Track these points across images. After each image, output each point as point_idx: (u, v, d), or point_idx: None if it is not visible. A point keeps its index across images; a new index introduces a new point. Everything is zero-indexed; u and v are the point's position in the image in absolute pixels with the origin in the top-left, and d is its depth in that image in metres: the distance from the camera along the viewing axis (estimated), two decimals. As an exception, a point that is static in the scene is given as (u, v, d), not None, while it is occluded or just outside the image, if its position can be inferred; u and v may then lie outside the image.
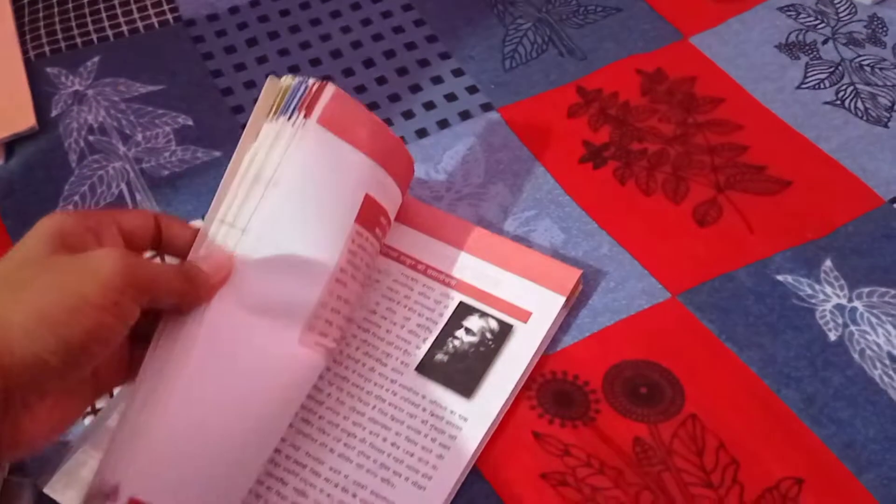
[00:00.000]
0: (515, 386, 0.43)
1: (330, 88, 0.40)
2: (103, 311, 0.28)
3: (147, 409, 0.33)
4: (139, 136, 0.56)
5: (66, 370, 0.28)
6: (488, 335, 0.44)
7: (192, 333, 0.34)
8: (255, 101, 0.39)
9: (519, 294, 0.45)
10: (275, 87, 0.40)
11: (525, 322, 0.44)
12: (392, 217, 0.44)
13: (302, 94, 0.39)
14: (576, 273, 0.45)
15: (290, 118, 0.38)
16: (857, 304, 0.46)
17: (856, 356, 0.44)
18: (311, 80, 0.40)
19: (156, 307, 0.32)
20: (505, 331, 0.44)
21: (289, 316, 0.37)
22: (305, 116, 0.38)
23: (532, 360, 0.44)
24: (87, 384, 0.33)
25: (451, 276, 0.46)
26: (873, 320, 0.46)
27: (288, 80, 0.40)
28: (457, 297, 0.45)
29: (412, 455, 0.40)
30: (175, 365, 0.34)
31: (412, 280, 0.46)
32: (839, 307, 0.46)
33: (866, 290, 0.47)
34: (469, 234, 0.47)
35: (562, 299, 0.45)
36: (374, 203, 0.41)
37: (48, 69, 0.61)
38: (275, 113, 0.39)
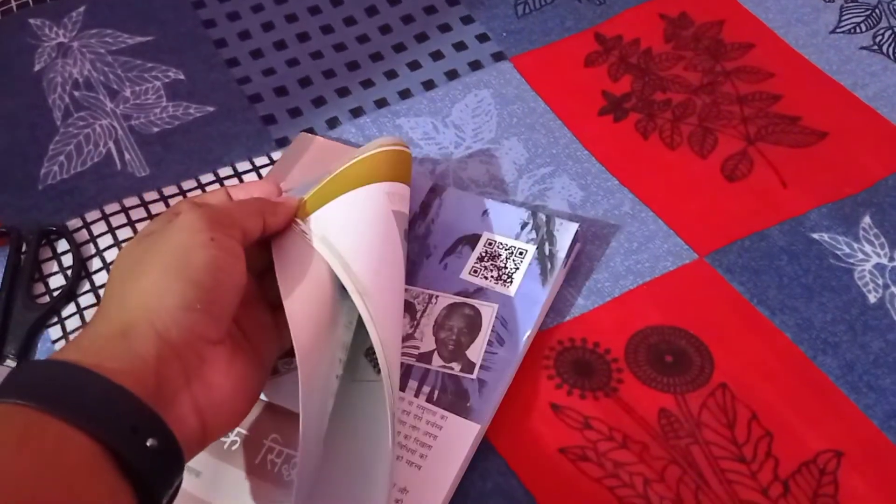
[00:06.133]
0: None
1: None
2: (205, 248, 0.33)
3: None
4: (127, 92, 0.54)
5: (212, 310, 0.32)
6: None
7: None
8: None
9: None
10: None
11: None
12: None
13: None
14: None
15: None
16: (898, 263, 0.45)
17: (898, 320, 0.43)
18: None
19: (252, 239, 0.36)
20: None
21: None
22: None
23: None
24: (245, 350, 0.35)
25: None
26: (917, 281, 0.44)
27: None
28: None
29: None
30: None
31: None
32: (879, 267, 0.44)
33: (909, 248, 0.45)
34: None
35: None
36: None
37: (31, 20, 0.58)
38: None
